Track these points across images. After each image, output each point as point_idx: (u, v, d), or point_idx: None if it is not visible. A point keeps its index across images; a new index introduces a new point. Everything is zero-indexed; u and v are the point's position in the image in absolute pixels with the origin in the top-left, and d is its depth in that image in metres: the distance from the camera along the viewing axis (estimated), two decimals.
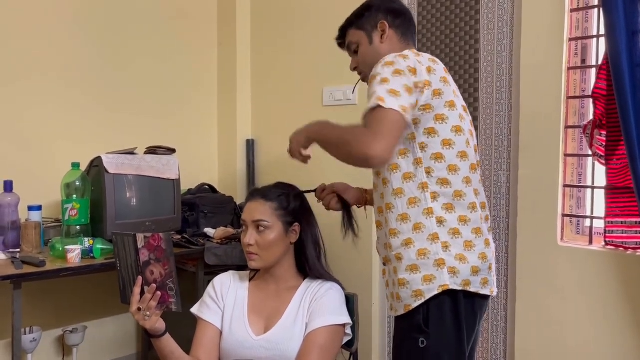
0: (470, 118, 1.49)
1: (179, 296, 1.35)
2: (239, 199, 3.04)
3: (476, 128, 2.18)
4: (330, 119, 2.72)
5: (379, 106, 1.27)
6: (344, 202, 1.68)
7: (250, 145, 3.15)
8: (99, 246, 2.14)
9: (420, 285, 1.36)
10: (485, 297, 1.44)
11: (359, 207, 1.74)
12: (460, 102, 1.46)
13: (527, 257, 2.09)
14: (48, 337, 2.60)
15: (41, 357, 2.57)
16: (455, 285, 1.35)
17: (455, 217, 1.38)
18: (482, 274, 1.39)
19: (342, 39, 1.62)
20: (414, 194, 1.38)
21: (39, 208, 2.27)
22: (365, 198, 1.74)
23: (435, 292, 1.34)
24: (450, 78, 1.45)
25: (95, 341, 2.74)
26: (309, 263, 1.61)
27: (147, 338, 2.77)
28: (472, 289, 1.37)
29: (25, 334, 2.40)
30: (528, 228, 2.09)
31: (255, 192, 1.62)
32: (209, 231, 2.59)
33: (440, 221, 1.37)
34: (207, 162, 3.19)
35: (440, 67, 1.44)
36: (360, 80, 1.62)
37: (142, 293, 1.37)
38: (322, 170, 1.97)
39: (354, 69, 1.60)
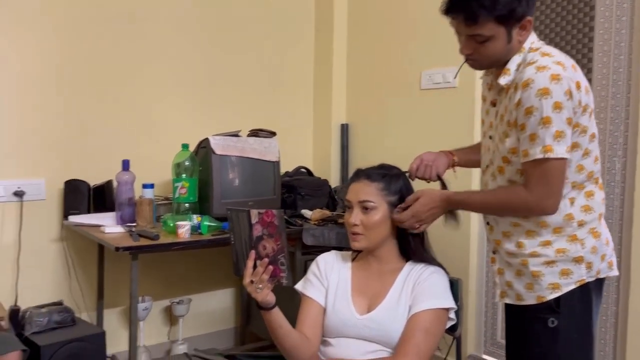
0: None
1: (290, 271, 1.40)
2: (333, 183, 3.09)
3: None
4: (428, 102, 2.73)
5: (546, 158, 1.28)
6: (443, 184, 1.65)
7: (344, 129, 3.18)
8: (206, 223, 2.26)
9: (558, 278, 1.38)
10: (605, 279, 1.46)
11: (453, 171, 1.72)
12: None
13: None
14: (157, 307, 2.79)
15: (151, 324, 2.77)
16: (590, 278, 1.40)
17: (594, 216, 1.40)
18: (607, 257, 1.43)
19: (469, 22, 1.34)
20: None
21: (152, 186, 2.42)
22: (453, 160, 1.71)
23: (573, 287, 1.37)
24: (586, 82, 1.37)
25: (199, 313, 2.91)
26: (412, 245, 1.60)
27: (245, 314, 2.94)
28: (602, 275, 1.42)
29: (138, 302, 2.59)
30: None
31: (359, 173, 1.63)
32: (306, 212, 2.65)
33: (580, 224, 1.39)
34: (302, 145, 3.26)
35: (581, 74, 1.36)
36: (467, 65, 1.49)
37: (255, 267, 1.42)
38: (415, 152, 1.95)
39: (468, 54, 1.42)
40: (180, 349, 2.72)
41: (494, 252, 1.52)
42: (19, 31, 2.37)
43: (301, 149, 3.23)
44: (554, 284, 1.38)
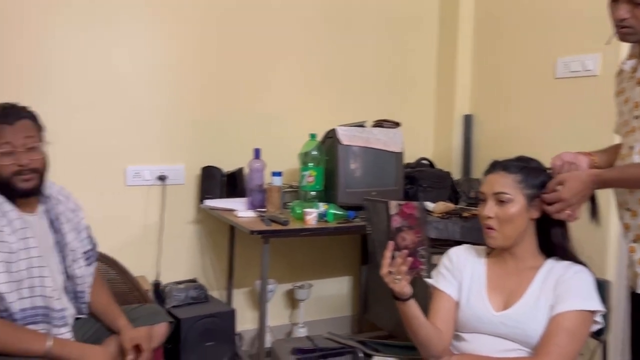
0: None
1: (429, 263, 1.39)
2: (456, 175, 3.02)
3: None
4: (563, 93, 2.57)
5: None
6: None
7: (467, 120, 3.09)
8: (332, 211, 2.31)
9: None
10: None
11: None
12: None
13: None
14: (280, 290, 2.92)
15: (275, 306, 2.90)
16: None
17: None
18: None
19: None
20: None
21: (280, 174, 2.52)
22: (593, 161, 1.59)
23: None
24: None
25: (318, 299, 2.99)
26: (554, 242, 1.53)
27: (363, 302, 2.98)
28: None
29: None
30: None
31: (496, 164, 1.57)
32: (428, 205, 2.62)
33: None
34: (423, 136, 3.22)
35: None
36: (616, 37, 1.42)
37: (393, 257, 1.43)
38: (545, 146, 1.85)
39: (622, 20, 1.37)
40: (301, 331, 2.82)
41: (634, 241, 1.39)
42: (157, 23, 2.56)
43: (422, 141, 3.19)
44: None
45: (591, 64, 2.40)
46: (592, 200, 1.56)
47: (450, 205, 2.57)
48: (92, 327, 1.79)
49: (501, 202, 1.50)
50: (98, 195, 2.47)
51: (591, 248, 2.32)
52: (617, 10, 1.35)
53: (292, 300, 2.95)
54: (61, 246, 1.75)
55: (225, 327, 2.46)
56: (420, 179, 2.74)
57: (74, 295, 1.78)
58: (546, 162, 1.63)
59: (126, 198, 2.55)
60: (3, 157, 1.60)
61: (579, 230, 1.56)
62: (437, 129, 3.24)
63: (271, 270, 2.76)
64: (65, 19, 2.39)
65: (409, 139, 2.92)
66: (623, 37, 1.38)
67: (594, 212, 1.55)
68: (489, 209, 1.51)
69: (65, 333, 1.67)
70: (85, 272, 1.81)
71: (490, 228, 1.52)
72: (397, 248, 1.42)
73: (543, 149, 1.88)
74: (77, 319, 1.78)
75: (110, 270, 2.16)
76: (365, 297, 2.99)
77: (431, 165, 2.95)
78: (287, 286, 2.94)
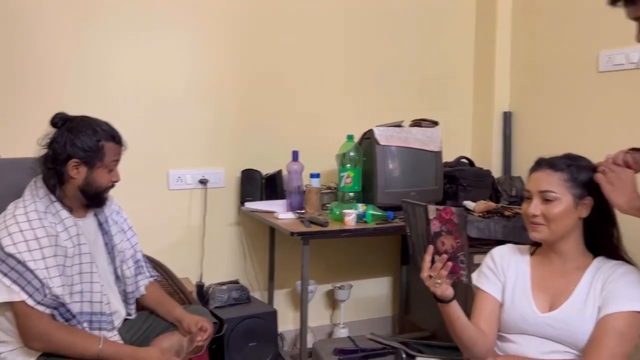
0: None
1: (469, 269, 1.38)
2: (496, 173, 2.97)
3: None
4: (608, 87, 2.50)
5: None
6: None
7: (507, 117, 3.04)
8: (371, 212, 2.31)
9: None
10: None
11: None
12: None
13: None
14: (321, 291, 2.94)
15: (315, 307, 2.92)
16: None
17: None
18: None
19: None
20: None
21: (318, 175, 2.53)
22: None
23: None
24: None
25: (358, 299, 3.00)
26: (601, 241, 1.49)
27: (404, 303, 2.97)
28: None
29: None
30: None
31: (542, 162, 1.54)
32: (469, 204, 2.59)
33: None
34: (462, 135, 3.18)
35: None
36: None
37: (433, 261, 1.43)
38: (588, 143, 1.78)
39: (636, 18, 1.34)
40: (342, 332, 2.83)
41: None
42: (197, 32, 2.62)
43: (461, 139, 3.15)
44: None
45: (636, 57, 2.32)
46: None
47: (491, 204, 2.53)
48: (140, 328, 1.85)
49: (547, 200, 1.47)
50: (142, 200, 2.53)
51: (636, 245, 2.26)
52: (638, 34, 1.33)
53: (333, 301, 2.97)
54: (110, 248, 1.82)
55: (268, 327, 2.49)
56: (460, 178, 2.71)
57: (124, 296, 1.85)
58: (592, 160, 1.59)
59: (169, 202, 2.62)
60: (110, 173, 1.74)
61: (631, 228, 1.51)
62: (476, 127, 3.19)
63: (311, 271, 2.78)
64: (111, 26, 2.47)
65: (447, 137, 2.89)
66: None
67: None
68: (535, 207, 1.49)
69: (113, 337, 1.73)
70: (134, 273, 1.87)
71: (536, 223, 1.49)
72: (437, 252, 1.41)
73: (586, 146, 1.83)
74: (125, 320, 1.84)
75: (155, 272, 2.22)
76: (406, 297, 2.98)
77: (471, 163, 2.92)
78: (327, 287, 2.95)
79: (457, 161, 2.88)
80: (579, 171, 1.47)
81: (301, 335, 2.30)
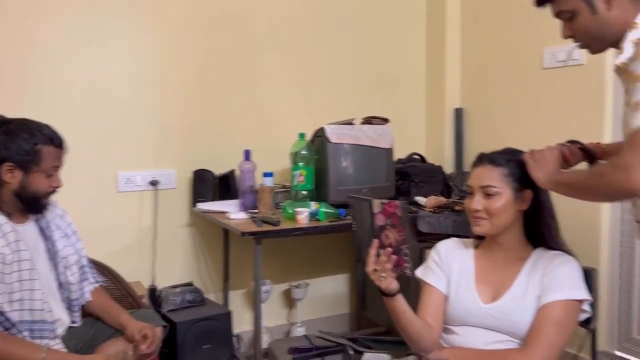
0: None
1: (413, 261, 1.39)
2: (448, 169, 3.02)
3: None
4: (552, 83, 2.57)
5: None
6: (587, 151, 1.52)
7: (458, 114, 3.09)
8: (324, 210, 2.32)
9: None
10: None
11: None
12: None
13: None
14: (277, 290, 2.92)
15: (272, 307, 2.90)
16: None
17: None
18: None
19: (545, 3, 1.35)
20: None
21: (271, 174, 2.52)
22: (601, 152, 1.55)
23: None
24: None
25: (315, 297, 3.00)
26: (541, 232, 1.53)
27: (360, 299, 2.99)
28: None
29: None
30: None
31: (482, 157, 1.57)
32: (420, 199, 2.62)
33: None
34: (415, 132, 3.22)
35: None
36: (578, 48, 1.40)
37: (378, 255, 1.44)
38: (535, 137, 1.84)
39: (568, 37, 1.36)
40: (299, 331, 2.82)
41: None
42: (145, 29, 2.56)
43: (414, 136, 3.19)
44: None
45: (577, 53, 2.39)
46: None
47: (442, 199, 2.57)
48: (85, 335, 1.80)
49: (488, 195, 1.51)
50: (90, 203, 2.47)
51: (583, 237, 2.34)
52: (562, 31, 1.36)
53: (290, 300, 2.96)
54: (52, 254, 1.76)
55: (222, 329, 2.47)
56: (411, 174, 2.74)
57: (68, 304, 1.79)
58: None
59: (119, 204, 2.56)
60: (48, 178, 1.67)
61: (571, 219, 1.55)
62: (429, 124, 3.24)
63: (267, 270, 2.78)
64: (57, 29, 2.40)
65: (401, 134, 2.92)
66: (588, 51, 1.37)
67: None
68: (477, 202, 1.52)
69: (56, 345, 1.67)
70: (78, 279, 1.82)
71: (478, 218, 1.53)
72: (382, 246, 1.42)
73: (533, 140, 1.89)
74: (69, 328, 1.79)
75: (102, 276, 2.16)
76: (362, 294, 2.99)
77: (422, 160, 2.95)
78: (284, 286, 2.94)
79: (410, 158, 2.92)
80: (517, 165, 1.51)
81: (255, 335, 2.29)
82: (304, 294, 2.88)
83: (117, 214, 2.56)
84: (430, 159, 3.02)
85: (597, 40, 1.31)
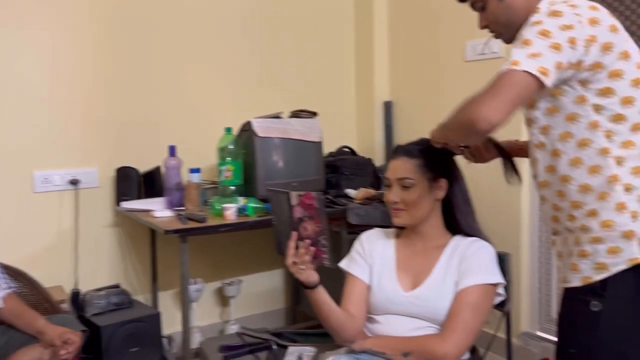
0: None
1: (331, 252, 1.40)
2: (378, 161, 3.06)
3: None
4: (474, 75, 2.65)
5: (509, 70, 1.13)
6: (499, 147, 1.56)
7: (388, 107, 3.13)
8: (252, 205, 2.29)
9: (604, 257, 1.21)
10: None
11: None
12: (635, 48, 1.25)
13: None
14: (209, 289, 2.87)
15: (204, 306, 2.85)
16: None
17: None
18: None
19: None
20: (594, 161, 1.22)
21: (198, 170, 2.47)
22: (517, 148, 1.59)
23: (623, 267, 1.19)
24: (618, 23, 1.24)
25: (249, 294, 2.96)
26: (458, 220, 1.57)
27: (295, 294, 2.98)
28: None
29: (190, 284, 2.66)
30: None
31: (398, 149, 1.60)
32: (350, 192, 2.64)
33: (628, 189, 1.20)
34: (346, 125, 3.23)
35: (604, 13, 1.23)
36: (493, 37, 1.43)
37: (297, 248, 1.43)
38: None
39: (484, 27, 1.40)
40: (233, 328, 2.78)
41: (553, 234, 1.37)
42: (63, 22, 2.45)
43: (345, 129, 3.20)
44: (599, 263, 1.22)
45: (495, 46, 2.47)
46: (505, 157, 1.56)
47: (371, 191, 2.60)
48: None
49: (405, 187, 1.53)
50: (3, 204, 2.33)
51: (505, 221, 2.43)
52: (478, 22, 1.39)
53: (223, 298, 2.91)
54: None
55: (151, 331, 2.40)
56: (342, 167, 2.75)
57: None
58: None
59: (35, 205, 2.43)
60: None
61: (493, 207, 1.60)
62: (359, 117, 3.27)
63: (198, 269, 2.73)
64: None
65: (332, 128, 2.94)
66: (498, 38, 1.40)
67: (513, 169, 1.55)
68: (395, 194, 1.55)
69: None
70: None
71: (397, 209, 1.55)
72: (300, 238, 1.41)
73: None
74: None
75: (16, 282, 2.05)
76: (296, 288, 2.99)
77: (353, 152, 2.97)
78: (217, 284, 2.89)
79: (340, 151, 2.93)
80: (432, 155, 1.54)
81: (184, 335, 2.23)
82: (237, 291, 2.84)
83: (34, 216, 2.42)
84: (361, 152, 3.05)
85: (506, 27, 1.34)
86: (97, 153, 2.55)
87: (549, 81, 1.14)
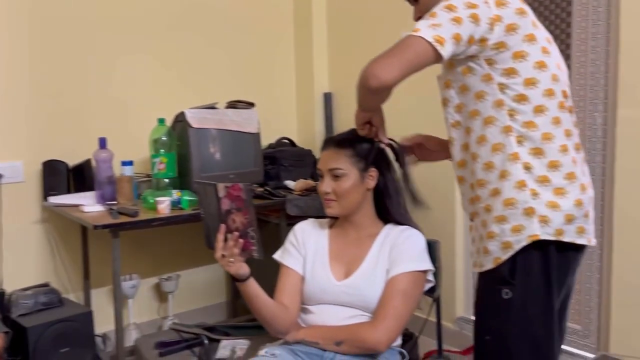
0: (557, 51, 1.33)
1: (260, 244, 1.38)
2: (318, 153, 3.04)
3: (568, 67, 2.02)
4: None
5: (408, 35, 1.20)
6: (394, 149, 1.59)
7: (327, 98, 3.13)
8: (186, 197, 2.23)
9: (509, 236, 1.25)
10: (581, 248, 1.31)
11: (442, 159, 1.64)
12: (542, 33, 1.30)
13: (626, 205, 1.94)
14: (146, 285, 2.79)
15: (141, 302, 2.77)
16: (546, 235, 1.23)
17: (545, 162, 1.25)
18: (577, 221, 1.26)
19: None
20: (497, 139, 1.26)
21: (131, 163, 2.38)
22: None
23: (524, 243, 1.24)
24: (528, 8, 1.28)
25: (188, 289, 2.90)
26: (388, 209, 1.59)
27: (235, 287, 2.94)
28: (566, 239, 1.25)
29: (125, 280, 2.59)
30: (627, 173, 1.93)
31: (329, 141, 1.61)
32: (290, 183, 2.63)
33: (527, 167, 1.24)
34: (286, 116, 3.21)
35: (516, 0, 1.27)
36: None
37: (226, 240, 1.40)
38: (405, 123, 1.92)
39: (418, 18, 1.41)
40: (171, 324, 2.72)
41: (471, 220, 1.41)
42: None
43: (285, 120, 3.18)
44: (505, 242, 1.25)
45: None
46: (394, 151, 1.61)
47: (310, 182, 2.59)
48: None
49: (336, 177, 1.54)
50: None
51: (439, 209, 2.48)
52: (413, 15, 1.45)
53: (160, 294, 2.84)
54: None
55: (83, 330, 2.30)
56: (281, 158, 2.73)
57: None
58: (396, 136, 1.66)
59: None
60: None
61: (429, 196, 1.62)
62: (299, 109, 3.25)
63: (134, 264, 2.65)
64: None
65: (272, 119, 2.91)
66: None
67: (414, 199, 1.59)
68: (326, 185, 1.55)
69: None
70: None
71: (329, 200, 1.55)
72: (229, 230, 1.39)
73: (396, 122, 1.94)
74: None
75: None
76: None
77: (292, 144, 2.96)
78: (154, 280, 2.82)
79: (279, 142, 2.91)
80: (361, 146, 1.55)
81: (117, 333, 2.17)
82: (175, 286, 2.78)
83: None
84: (301, 144, 3.04)
85: None
86: (23, 146, 2.42)
87: (444, 51, 1.19)
